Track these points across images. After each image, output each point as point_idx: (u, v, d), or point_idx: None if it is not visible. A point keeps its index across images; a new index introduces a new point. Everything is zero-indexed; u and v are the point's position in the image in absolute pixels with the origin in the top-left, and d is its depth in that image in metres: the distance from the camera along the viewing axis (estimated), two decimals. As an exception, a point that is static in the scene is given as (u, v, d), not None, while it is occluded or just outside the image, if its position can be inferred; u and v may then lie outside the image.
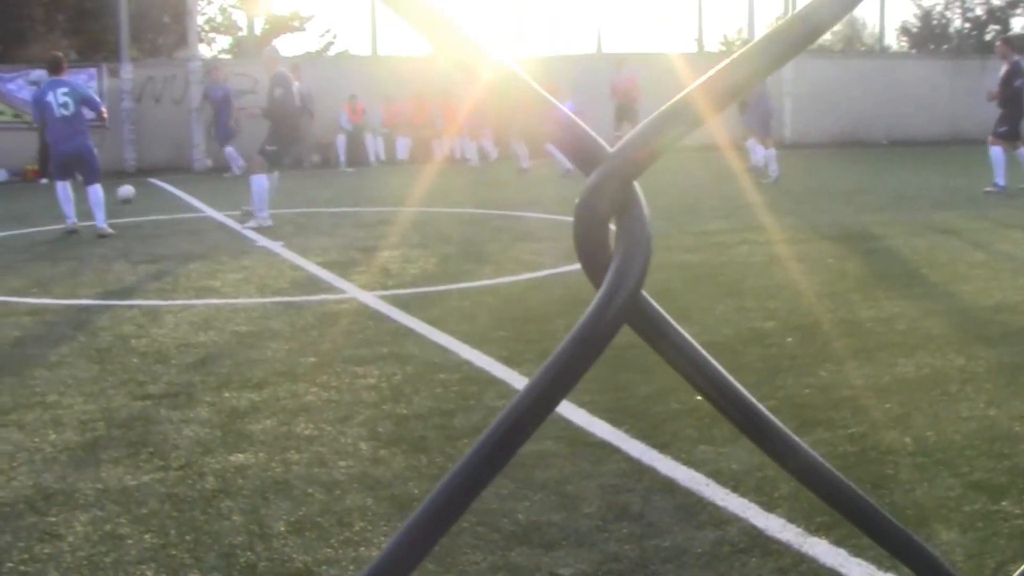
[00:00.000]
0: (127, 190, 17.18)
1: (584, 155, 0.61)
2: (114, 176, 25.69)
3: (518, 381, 6.71)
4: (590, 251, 0.61)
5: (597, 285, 0.61)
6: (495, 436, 0.57)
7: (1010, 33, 25.88)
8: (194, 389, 6.77)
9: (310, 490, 4.96)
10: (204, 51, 31.82)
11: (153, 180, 25.02)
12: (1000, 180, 18.14)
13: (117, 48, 28.26)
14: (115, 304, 9.73)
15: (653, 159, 0.61)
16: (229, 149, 26.24)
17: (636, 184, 0.61)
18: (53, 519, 4.72)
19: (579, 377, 0.58)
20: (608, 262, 0.60)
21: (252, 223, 14.64)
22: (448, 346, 7.71)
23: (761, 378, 6.66)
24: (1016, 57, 19.25)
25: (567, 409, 6.03)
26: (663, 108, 0.61)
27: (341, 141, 28.16)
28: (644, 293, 0.62)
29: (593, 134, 0.62)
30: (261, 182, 14.87)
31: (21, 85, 27.29)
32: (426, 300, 9.54)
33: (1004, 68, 19.32)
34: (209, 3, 35.37)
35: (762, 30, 21.31)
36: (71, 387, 6.92)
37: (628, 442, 5.54)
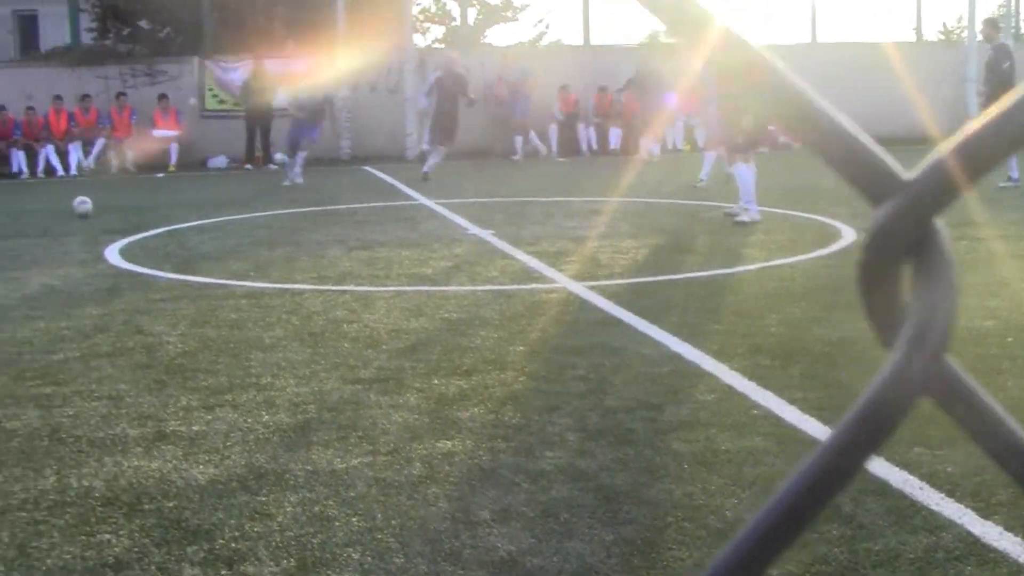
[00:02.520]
0: (84, 206, 16.40)
1: (871, 181, 0.51)
2: (328, 164, 26.27)
3: (728, 375, 6.62)
4: (878, 302, 0.52)
5: (885, 342, 0.52)
6: (774, 516, 0.51)
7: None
8: (404, 375, 6.85)
9: (516, 479, 4.97)
10: (418, 41, 32.21)
11: (367, 168, 25.47)
12: (1014, 173, 17.08)
13: (333, 37, 28.76)
14: (329, 289, 9.91)
15: (961, 190, 0.50)
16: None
17: (938, 221, 0.51)
18: (264, 499, 4.82)
19: (865, 457, 0.51)
20: (899, 317, 0.52)
21: (744, 216, 13.77)
22: (657, 338, 7.65)
23: (979, 379, 6.43)
24: (1002, 40, 18.19)
25: (777, 406, 5.95)
26: (981, 124, 0.50)
27: (553, 131, 28.23)
28: (947, 358, 0.53)
29: (884, 156, 0.51)
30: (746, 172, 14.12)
31: (241, 75, 28.03)
32: (636, 291, 9.50)
33: (989, 52, 18.22)
34: (424, -7, 35.78)
35: (983, 18, 20.78)
36: (284, 369, 7.07)
37: (839, 441, 5.42)
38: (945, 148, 0.50)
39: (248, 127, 27.16)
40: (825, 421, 5.68)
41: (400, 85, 28.43)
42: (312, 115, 21.45)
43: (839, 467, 0.50)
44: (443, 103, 19.83)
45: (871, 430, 0.50)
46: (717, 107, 14.25)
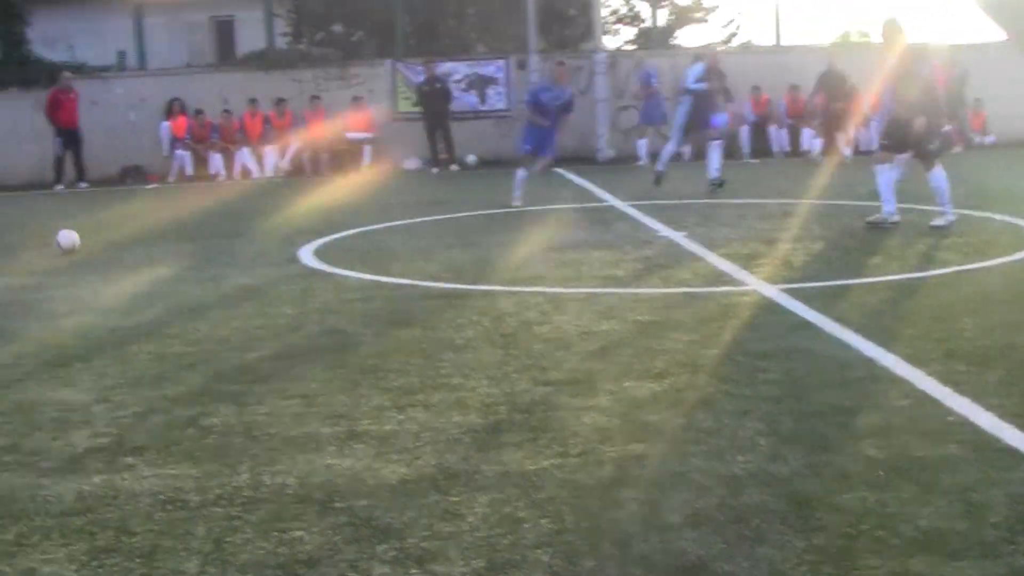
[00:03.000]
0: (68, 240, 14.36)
1: None
2: (513, 165, 26.40)
3: (922, 381, 6.45)
4: None
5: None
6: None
7: None
8: (595, 377, 6.82)
9: (707, 483, 4.90)
10: (608, 43, 32.19)
11: (558, 170, 25.51)
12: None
13: (525, 40, 28.93)
14: (521, 290, 9.92)
15: None
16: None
17: None
18: (455, 499, 4.83)
19: None
20: None
21: (939, 220, 13.29)
22: (851, 342, 7.49)
23: None
24: None
25: (973, 412, 5.78)
26: None
27: (745, 132, 27.94)
28: None
29: None
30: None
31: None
32: (829, 294, 9.33)
33: None
34: (614, -5, 35.65)
35: None
36: (476, 370, 7.09)
37: (1041, 449, 5.25)
38: None
39: (427, 130, 27.37)
40: (1023, 428, 5.50)
41: (591, 87, 28.41)
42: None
43: None
44: (700, 99, 19.25)
45: None
46: (893, 109, 13.88)
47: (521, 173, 17.72)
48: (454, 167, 26.77)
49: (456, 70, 28.66)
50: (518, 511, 4.66)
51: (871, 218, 13.51)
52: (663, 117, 26.18)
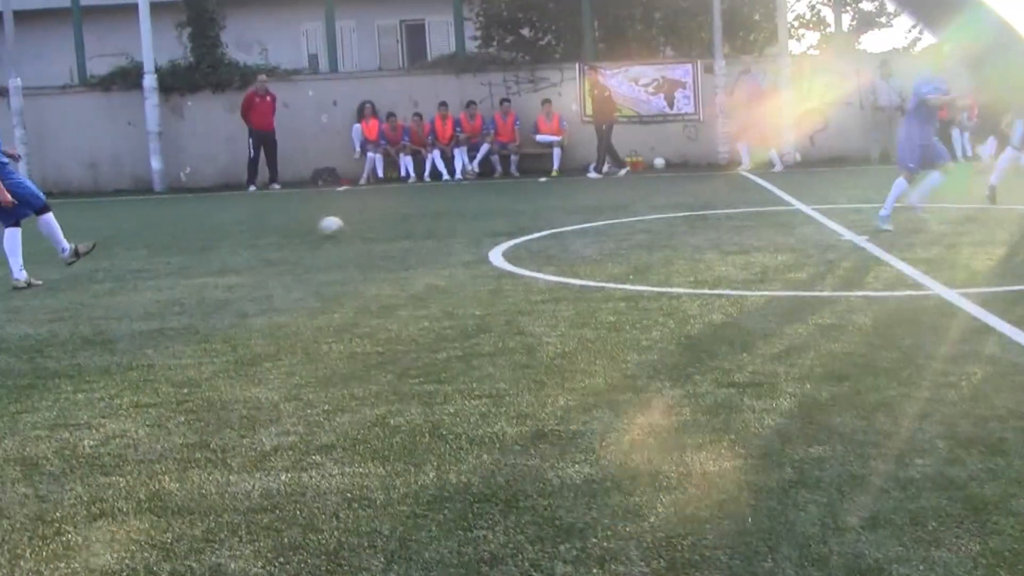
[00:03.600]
0: (330, 224, 15.93)
1: None
2: (706, 168, 26.37)
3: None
4: None
5: None
6: None
7: None
8: (777, 379, 6.86)
9: (886, 486, 4.93)
10: (793, 47, 31.86)
11: (743, 172, 25.41)
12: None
13: (711, 45, 28.82)
14: (705, 293, 9.97)
15: None
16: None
17: None
18: (637, 499, 4.91)
19: None
20: None
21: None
22: (1033, 347, 7.44)
23: None
24: None
25: None
26: None
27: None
28: None
29: None
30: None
31: (621, 81, 28.38)
32: (1010, 299, 9.20)
33: None
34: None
35: None
36: (660, 372, 7.18)
37: None
38: None
39: (597, 134, 27.33)
40: None
41: (776, 92, 28.16)
42: None
43: None
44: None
45: None
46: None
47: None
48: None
49: (644, 73, 28.67)
50: (699, 511, 4.73)
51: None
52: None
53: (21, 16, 30.67)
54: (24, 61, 29.97)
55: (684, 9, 30.71)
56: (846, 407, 6.19)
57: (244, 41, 31.50)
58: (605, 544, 4.45)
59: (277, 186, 27.77)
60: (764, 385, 6.73)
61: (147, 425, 6.50)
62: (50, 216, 12.98)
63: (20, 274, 12.30)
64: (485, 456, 5.63)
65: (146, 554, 4.55)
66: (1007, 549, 4.22)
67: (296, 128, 28.79)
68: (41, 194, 13.06)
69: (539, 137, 27.89)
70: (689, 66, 28.73)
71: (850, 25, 32.85)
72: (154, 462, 5.79)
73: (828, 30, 33.11)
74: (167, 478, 5.52)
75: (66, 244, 13.17)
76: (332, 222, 15.46)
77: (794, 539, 4.41)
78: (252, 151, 28.09)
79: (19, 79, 29.07)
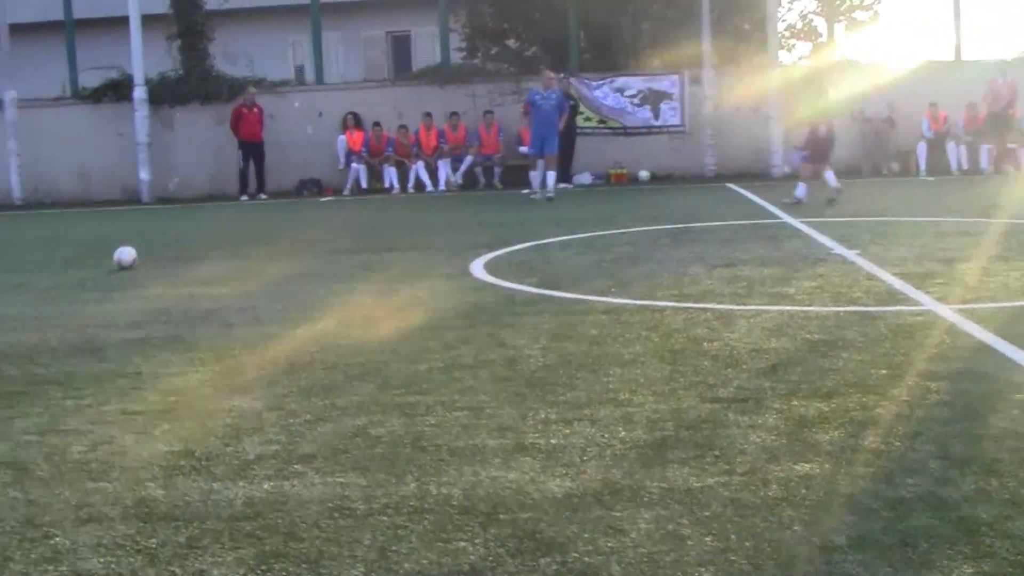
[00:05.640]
0: (125, 254, 14.26)
1: None
2: (691, 181, 26.34)
3: (1104, 407, 6.28)
4: None
5: None
6: None
7: None
8: (763, 395, 6.76)
9: (874, 505, 4.82)
10: (784, 57, 31.83)
11: (730, 185, 25.37)
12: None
13: (699, 55, 28.78)
14: (690, 307, 9.87)
15: None
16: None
17: None
18: (618, 514, 4.83)
19: None
20: None
21: None
22: (1028, 365, 7.34)
23: None
24: None
25: None
26: None
27: (922, 149, 27.47)
28: None
29: None
30: None
31: (606, 92, 28.36)
32: (1006, 316, 9.12)
33: None
34: (789, 9, 35.13)
35: None
36: (643, 386, 7.08)
37: None
38: None
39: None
40: None
41: (765, 102, 28.17)
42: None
43: None
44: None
45: None
46: None
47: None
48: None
49: (630, 85, 28.63)
50: (682, 528, 4.64)
51: None
52: None
53: (16, 29, 30.98)
54: (18, 74, 30.30)
55: (672, 19, 30.66)
56: (834, 424, 6.09)
57: (231, 53, 31.53)
58: (586, 559, 4.37)
59: (264, 196, 27.89)
60: (750, 400, 6.63)
61: (134, 432, 6.51)
62: None
63: None
64: (466, 468, 5.56)
65: (132, 559, 4.58)
66: (1001, 572, 4.12)
67: (282, 139, 28.87)
68: None
69: (522, 149, 27.81)
70: (676, 77, 28.69)
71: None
72: (140, 469, 5.81)
73: (820, 40, 33.16)
74: (152, 484, 5.54)
75: None
76: (127, 253, 14.19)
77: (779, 558, 4.32)
78: (242, 162, 28.24)
79: (14, 91, 29.51)
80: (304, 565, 4.44)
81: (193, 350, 8.86)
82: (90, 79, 30.84)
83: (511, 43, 31.96)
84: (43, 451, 6.20)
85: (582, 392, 6.99)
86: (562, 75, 26.43)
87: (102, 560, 4.58)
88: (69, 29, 31.21)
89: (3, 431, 6.68)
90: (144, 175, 29.14)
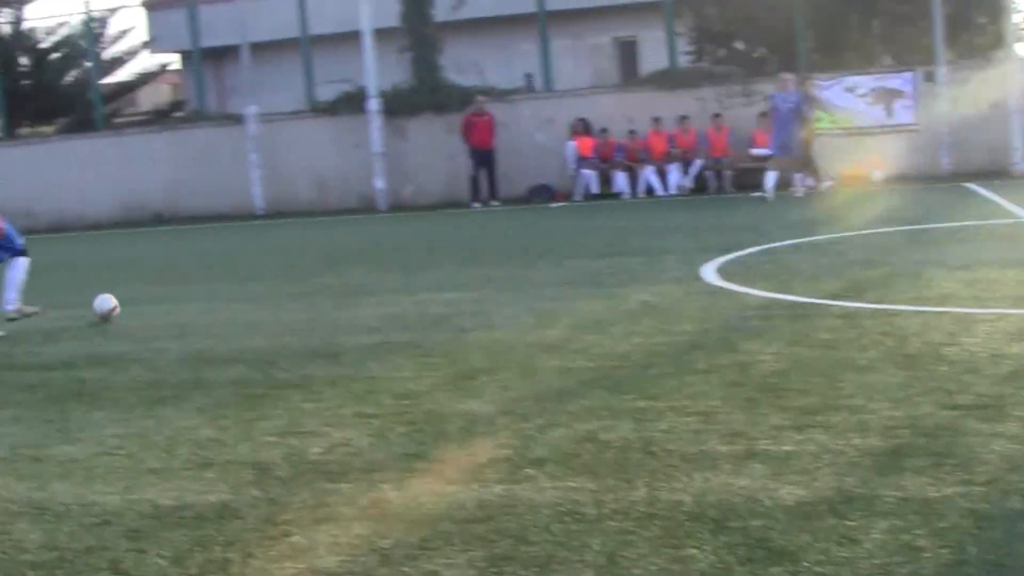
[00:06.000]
0: (104, 303, 12.54)
1: None
2: (927, 181, 25.71)
3: None
4: None
5: None
6: None
7: None
8: (1005, 402, 6.55)
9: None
10: (1021, 50, 30.77)
11: (968, 184, 24.67)
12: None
13: (932, 51, 28.07)
14: (927, 310, 9.64)
15: None
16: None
17: None
18: (852, 523, 4.74)
19: None
20: None
21: None
22: None
23: None
24: None
25: None
26: None
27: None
28: None
29: None
30: None
31: (838, 92, 27.89)
32: None
33: None
34: (1025, 2, 33.94)
35: None
36: (878, 392, 6.94)
37: None
38: None
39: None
40: None
41: (1004, 98, 27.35)
42: None
43: None
44: None
45: None
46: None
47: None
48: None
49: (860, 83, 28.10)
50: (918, 539, 4.53)
51: None
52: None
53: (255, 48, 32.17)
54: (259, 90, 31.53)
55: (903, 15, 29.94)
56: (1073, 431, 5.89)
57: (462, 63, 32.04)
58: (818, 568, 4.29)
59: (496, 203, 28.26)
60: (990, 408, 6.43)
61: (369, 435, 6.70)
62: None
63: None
64: (696, 474, 5.53)
65: (366, 559, 4.69)
66: None
67: (513, 146, 29.24)
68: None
69: (754, 151, 27.50)
70: (909, 74, 28.04)
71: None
72: (375, 470, 5.96)
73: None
74: (387, 486, 5.66)
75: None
76: (106, 301, 12.57)
77: (1020, 572, 4.18)
78: (473, 169, 28.76)
79: (255, 106, 30.93)
80: (534, 569, 4.47)
81: (427, 355, 9.04)
82: (326, 93, 31.87)
83: (739, 45, 31.66)
84: (283, 452, 6.42)
85: (815, 398, 6.88)
86: (804, 77, 26.13)
87: (337, 559, 4.71)
88: (304, 46, 32.43)
89: (246, 432, 6.94)
90: (380, 184, 30.01)
